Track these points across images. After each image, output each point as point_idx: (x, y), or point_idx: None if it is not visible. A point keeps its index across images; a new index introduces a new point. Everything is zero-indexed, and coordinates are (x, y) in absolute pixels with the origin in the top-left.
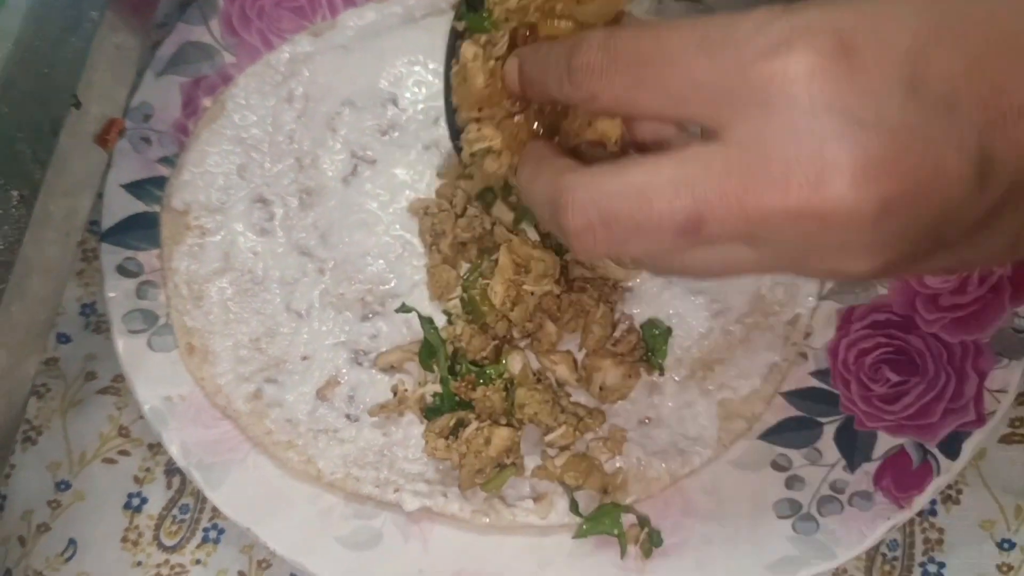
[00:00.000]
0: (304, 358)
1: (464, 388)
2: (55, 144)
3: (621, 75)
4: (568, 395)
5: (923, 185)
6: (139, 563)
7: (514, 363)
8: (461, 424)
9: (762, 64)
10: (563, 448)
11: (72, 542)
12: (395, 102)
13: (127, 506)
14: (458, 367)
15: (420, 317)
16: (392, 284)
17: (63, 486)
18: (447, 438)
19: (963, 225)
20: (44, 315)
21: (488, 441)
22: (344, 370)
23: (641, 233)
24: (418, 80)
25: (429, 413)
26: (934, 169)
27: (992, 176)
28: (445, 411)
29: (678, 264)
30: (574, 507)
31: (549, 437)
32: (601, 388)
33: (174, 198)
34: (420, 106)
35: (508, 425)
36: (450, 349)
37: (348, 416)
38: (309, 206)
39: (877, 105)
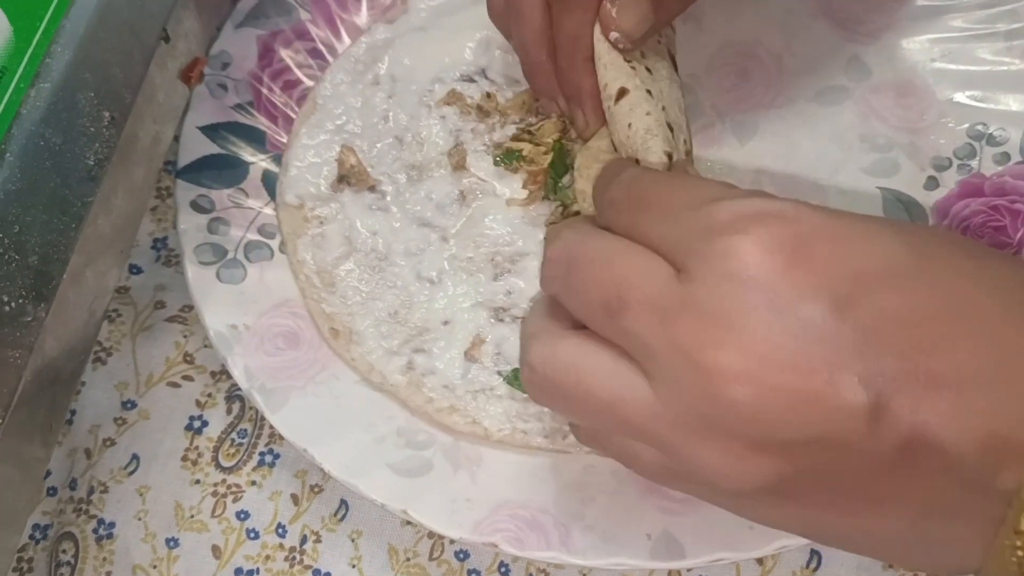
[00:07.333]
0: (445, 323)
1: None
2: (145, 73)
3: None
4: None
5: (812, 394)
6: (197, 481)
7: None
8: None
9: (721, 237)
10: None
11: (135, 457)
12: (484, 73)
13: (188, 427)
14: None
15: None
16: (520, 244)
17: (129, 405)
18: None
19: (853, 467)
20: (127, 232)
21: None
22: (486, 328)
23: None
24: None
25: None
26: (828, 384)
27: (884, 424)
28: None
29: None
30: None
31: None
32: None
33: (287, 195)
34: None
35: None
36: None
37: (500, 372)
38: (418, 180)
39: (799, 302)
